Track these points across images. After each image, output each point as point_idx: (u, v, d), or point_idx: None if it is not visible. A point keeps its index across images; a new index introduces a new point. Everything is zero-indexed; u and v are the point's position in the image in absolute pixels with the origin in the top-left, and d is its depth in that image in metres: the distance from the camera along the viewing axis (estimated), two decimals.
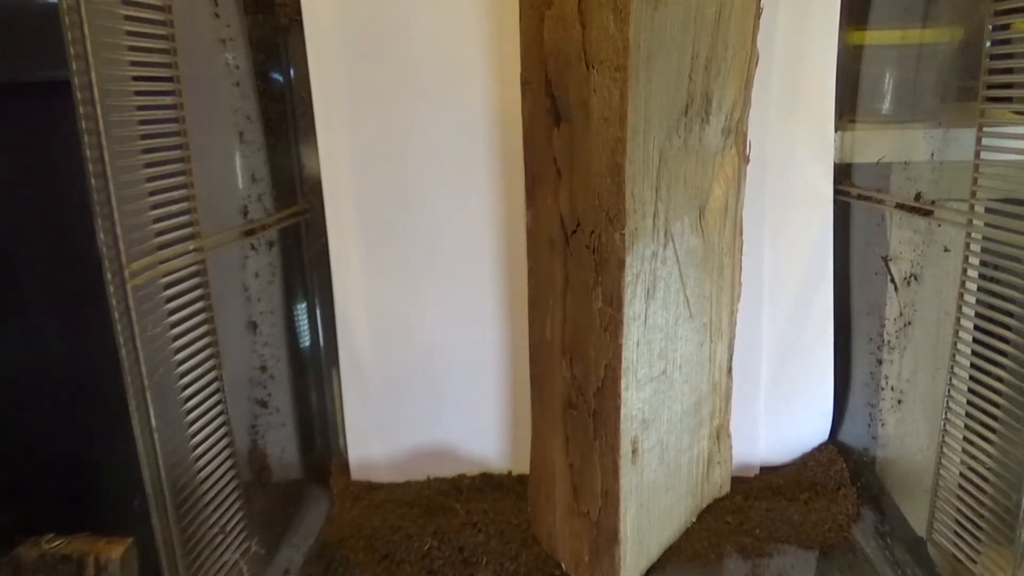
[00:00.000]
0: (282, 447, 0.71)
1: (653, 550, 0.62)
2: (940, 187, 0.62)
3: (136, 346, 0.47)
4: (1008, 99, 0.52)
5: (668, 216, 0.53)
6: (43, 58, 0.63)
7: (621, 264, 0.50)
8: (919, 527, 0.63)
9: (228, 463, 0.58)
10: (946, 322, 0.59)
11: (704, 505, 0.69)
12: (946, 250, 0.61)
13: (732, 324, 0.66)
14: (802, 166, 0.69)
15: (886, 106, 0.70)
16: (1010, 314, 0.51)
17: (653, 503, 0.59)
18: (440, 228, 0.71)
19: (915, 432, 0.66)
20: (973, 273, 0.55)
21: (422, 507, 0.71)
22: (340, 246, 0.71)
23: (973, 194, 0.55)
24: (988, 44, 0.53)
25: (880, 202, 0.67)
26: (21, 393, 0.72)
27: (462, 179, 0.69)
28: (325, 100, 0.68)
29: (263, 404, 0.68)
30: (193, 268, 0.54)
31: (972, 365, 0.55)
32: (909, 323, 0.67)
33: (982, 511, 0.54)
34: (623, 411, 0.53)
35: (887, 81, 0.69)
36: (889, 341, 0.70)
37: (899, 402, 0.68)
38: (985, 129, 0.54)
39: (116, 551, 0.53)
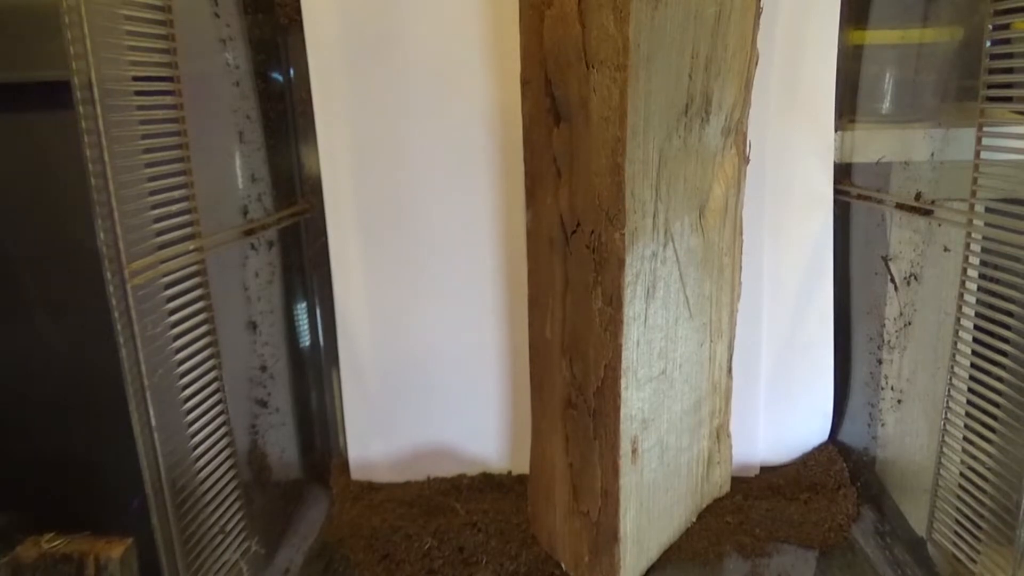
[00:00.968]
0: (282, 447, 0.71)
1: (653, 550, 0.62)
2: (940, 187, 0.62)
3: (136, 346, 0.47)
4: (1008, 99, 0.52)
5: (668, 216, 0.53)
6: (43, 58, 0.63)
7: (621, 264, 0.50)
8: (919, 527, 0.63)
9: (228, 463, 0.58)
10: (946, 322, 0.59)
11: (704, 505, 0.69)
12: (946, 250, 0.61)
13: (732, 324, 0.66)
14: (802, 166, 0.69)
15: (886, 106, 0.70)
16: (1010, 314, 0.51)
17: (653, 503, 0.59)
18: (440, 228, 0.71)
19: (915, 432, 0.66)
20: (973, 273, 0.55)
21: (422, 507, 0.71)
22: (340, 246, 0.71)
23: (973, 194, 0.54)
24: (988, 44, 0.53)
25: (880, 202, 0.67)
26: (21, 393, 0.72)
27: (462, 179, 0.69)
28: (325, 100, 0.68)
29: (263, 404, 0.68)
30: (193, 268, 0.54)
31: (972, 365, 0.55)
32: (909, 323, 0.67)
33: (982, 511, 0.54)
34: (623, 411, 0.53)
35: (887, 81, 0.69)
36: (889, 341, 0.70)
37: (899, 402, 0.68)
38: (985, 129, 0.54)
39: (116, 551, 0.53)
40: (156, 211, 0.50)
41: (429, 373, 0.74)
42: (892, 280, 0.69)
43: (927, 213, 0.61)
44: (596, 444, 0.55)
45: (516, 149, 0.59)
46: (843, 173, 0.71)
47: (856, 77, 0.70)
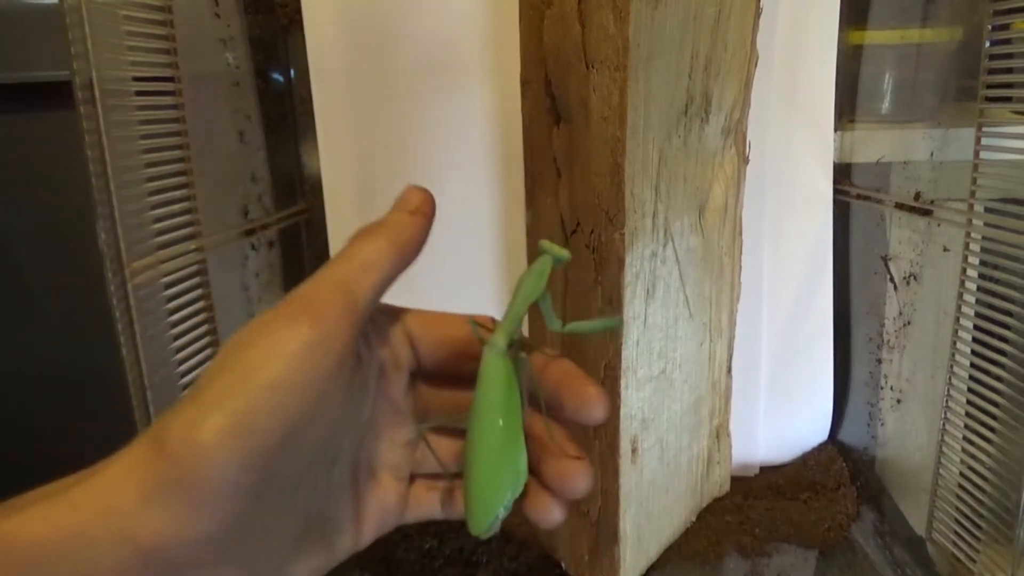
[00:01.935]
0: None
1: (653, 549, 0.62)
2: (940, 187, 0.62)
3: (137, 346, 0.47)
4: (1008, 99, 0.52)
5: (668, 216, 0.53)
6: (43, 58, 0.63)
7: (621, 264, 0.50)
8: (918, 526, 0.63)
9: None
10: (945, 322, 0.59)
11: (704, 504, 0.69)
12: (945, 250, 0.61)
13: (732, 324, 0.66)
14: (802, 166, 0.69)
15: (886, 106, 0.70)
16: (1010, 314, 0.52)
17: (652, 502, 0.59)
18: (440, 228, 0.70)
19: (914, 431, 0.66)
20: (973, 273, 0.55)
21: None
22: (340, 246, 0.71)
23: (972, 194, 0.55)
24: (988, 44, 0.53)
25: (880, 202, 0.67)
26: (21, 393, 0.72)
27: (462, 178, 0.69)
28: (325, 100, 0.68)
29: None
30: (193, 268, 0.54)
31: (971, 365, 0.55)
32: (909, 323, 0.67)
33: (981, 510, 0.54)
34: (622, 410, 0.53)
35: (887, 81, 0.69)
36: (888, 341, 0.70)
37: (898, 402, 0.69)
38: (984, 129, 0.54)
39: None
40: (156, 211, 0.50)
41: None
42: (891, 280, 0.69)
43: (926, 213, 0.61)
44: (595, 444, 0.55)
45: (516, 149, 0.59)
46: (843, 173, 0.71)
47: (856, 77, 0.70)
